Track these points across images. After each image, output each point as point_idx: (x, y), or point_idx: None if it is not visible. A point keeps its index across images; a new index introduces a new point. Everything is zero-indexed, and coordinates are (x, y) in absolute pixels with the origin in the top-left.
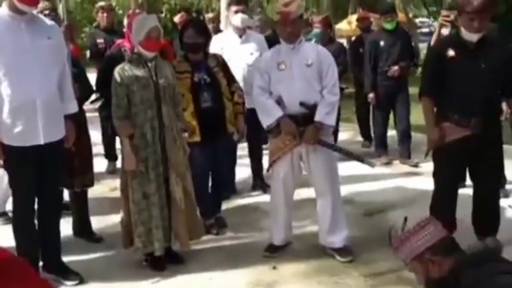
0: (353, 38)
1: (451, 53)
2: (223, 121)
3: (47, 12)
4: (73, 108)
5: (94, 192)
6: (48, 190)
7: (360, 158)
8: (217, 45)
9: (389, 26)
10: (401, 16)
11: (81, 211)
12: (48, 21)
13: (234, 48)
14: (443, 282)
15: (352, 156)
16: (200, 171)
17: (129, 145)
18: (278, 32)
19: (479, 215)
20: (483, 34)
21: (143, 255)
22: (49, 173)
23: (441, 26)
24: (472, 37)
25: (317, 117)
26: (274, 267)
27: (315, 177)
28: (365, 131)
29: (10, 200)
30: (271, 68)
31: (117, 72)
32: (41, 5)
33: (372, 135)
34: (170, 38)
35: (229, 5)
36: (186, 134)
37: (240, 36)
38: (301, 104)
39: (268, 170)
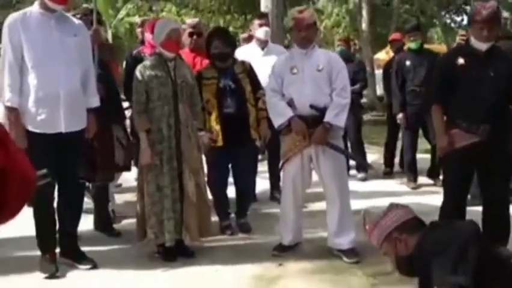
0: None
1: (461, 61)
2: (246, 127)
3: (79, 15)
4: (95, 102)
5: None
6: (68, 178)
7: (365, 164)
8: (240, 57)
9: (413, 45)
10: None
11: (102, 205)
12: (76, 21)
13: (257, 60)
14: (410, 259)
15: (358, 161)
16: (220, 174)
17: (146, 139)
18: (293, 37)
19: (488, 223)
20: (492, 44)
21: (156, 247)
22: (69, 162)
23: (459, 44)
24: (481, 46)
25: (326, 118)
26: (280, 264)
27: (324, 178)
28: (389, 158)
29: None
30: (284, 72)
31: (138, 70)
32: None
33: (397, 159)
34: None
35: (253, 19)
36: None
37: (263, 49)
38: (312, 106)
39: (280, 171)
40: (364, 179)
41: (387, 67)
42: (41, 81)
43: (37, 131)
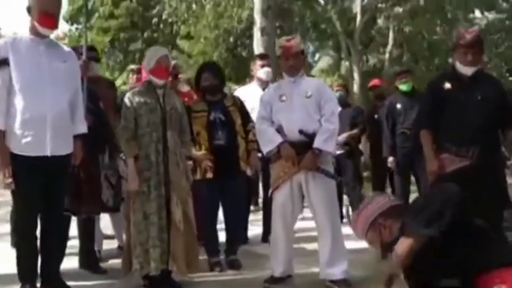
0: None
1: (447, 85)
2: (237, 159)
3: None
4: (83, 129)
5: None
6: (53, 206)
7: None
8: (241, 97)
9: (405, 88)
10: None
11: (87, 240)
12: (66, 48)
13: (257, 100)
14: (394, 244)
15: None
16: (209, 207)
17: (134, 166)
18: (281, 66)
19: None
20: (477, 69)
21: (141, 279)
22: (55, 189)
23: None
24: (466, 70)
25: (316, 144)
26: None
27: (314, 205)
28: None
29: None
30: (273, 100)
31: (127, 97)
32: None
33: None
34: None
35: (254, 59)
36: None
37: (263, 89)
38: (301, 132)
39: (270, 199)
40: None
41: (370, 114)
42: (27, 104)
43: (22, 153)
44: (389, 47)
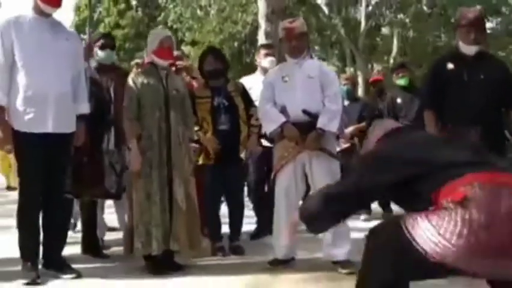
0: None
1: (450, 66)
2: (238, 145)
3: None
4: (85, 109)
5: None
6: (55, 184)
7: None
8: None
9: (402, 82)
10: None
11: (89, 224)
12: (69, 29)
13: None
14: None
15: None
16: (212, 193)
17: (136, 146)
18: (284, 48)
19: None
20: (480, 48)
21: (143, 259)
22: (57, 166)
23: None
24: (469, 49)
25: (319, 124)
26: (272, 275)
27: (317, 186)
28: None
29: None
30: (276, 81)
31: (131, 77)
32: None
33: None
34: None
35: (259, 48)
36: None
37: None
38: (304, 111)
39: (273, 181)
40: (367, 220)
41: (372, 108)
42: (30, 81)
43: (24, 130)
44: (394, 54)
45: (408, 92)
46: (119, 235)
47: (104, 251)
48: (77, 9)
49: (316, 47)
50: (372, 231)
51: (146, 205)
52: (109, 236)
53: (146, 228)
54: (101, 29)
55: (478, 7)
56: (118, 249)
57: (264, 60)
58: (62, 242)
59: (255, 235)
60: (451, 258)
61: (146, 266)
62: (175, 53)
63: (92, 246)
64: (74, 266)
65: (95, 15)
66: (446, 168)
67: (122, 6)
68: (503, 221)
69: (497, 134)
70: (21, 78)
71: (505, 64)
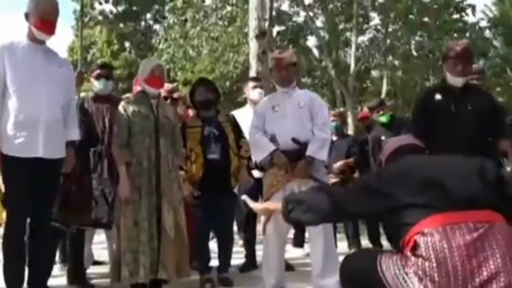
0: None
1: (438, 97)
2: (228, 175)
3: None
4: (75, 135)
5: None
6: (42, 211)
7: None
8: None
9: (384, 119)
10: None
11: (76, 254)
12: (61, 56)
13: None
14: None
15: None
16: (201, 223)
17: (125, 173)
18: (273, 78)
19: None
20: (467, 81)
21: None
22: (45, 192)
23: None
24: (457, 81)
25: (308, 152)
26: None
27: None
28: (373, 235)
29: None
30: (266, 110)
31: (121, 105)
32: None
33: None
34: None
35: (248, 81)
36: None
37: None
38: (294, 140)
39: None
40: None
41: (361, 145)
42: (22, 105)
43: (13, 154)
44: (383, 95)
45: (389, 128)
46: (104, 269)
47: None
48: (71, 50)
49: (306, 89)
50: (348, 257)
51: (134, 232)
52: (93, 269)
53: (134, 255)
54: None
55: (465, 40)
56: (102, 281)
57: (252, 93)
58: (48, 271)
59: (244, 268)
60: None
61: None
62: (170, 85)
63: (79, 276)
64: None
65: (89, 56)
66: (406, 208)
67: (116, 47)
68: (453, 262)
69: None
70: (13, 103)
71: (491, 95)
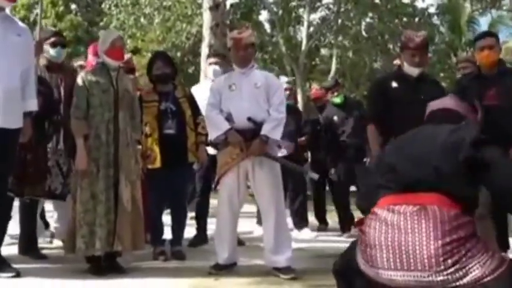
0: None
1: (394, 84)
2: (185, 149)
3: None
4: (33, 106)
5: None
6: None
7: (303, 171)
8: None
9: (337, 100)
10: None
11: (28, 224)
12: (21, 24)
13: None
14: None
15: (296, 170)
16: (157, 196)
17: (83, 145)
18: (231, 57)
19: None
20: (422, 70)
21: (85, 259)
22: (2, 161)
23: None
24: (413, 71)
25: (263, 131)
26: (216, 279)
27: (259, 191)
28: (320, 213)
29: None
30: (222, 89)
31: (80, 76)
32: None
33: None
34: None
35: (207, 56)
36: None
37: None
38: (249, 119)
39: (215, 187)
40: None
41: (313, 125)
42: None
43: None
44: (332, 74)
45: (342, 109)
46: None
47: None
48: (13, 8)
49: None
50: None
51: (90, 205)
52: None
53: (90, 228)
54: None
55: (422, 32)
56: (53, 252)
57: (208, 69)
58: (1, 239)
59: (194, 242)
60: (370, 274)
61: (89, 267)
62: (126, 56)
63: (30, 245)
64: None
65: (32, 16)
66: (378, 188)
67: (61, 9)
68: (384, 237)
69: None
70: None
71: (442, 86)
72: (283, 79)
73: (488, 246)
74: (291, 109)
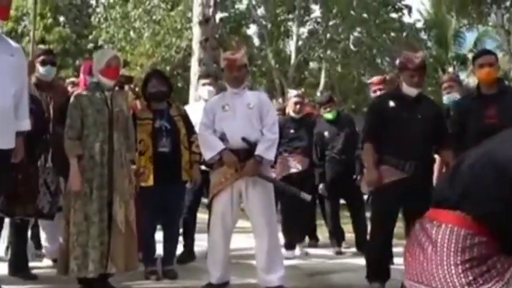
0: None
1: (392, 104)
2: (179, 168)
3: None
4: (26, 126)
5: None
6: None
7: (296, 193)
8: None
9: (330, 116)
10: None
11: (19, 244)
12: (14, 44)
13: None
14: None
15: (289, 191)
16: (150, 214)
17: (76, 166)
18: (224, 78)
19: None
20: (420, 90)
21: (77, 282)
22: None
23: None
24: (412, 91)
25: (258, 152)
26: None
27: (252, 211)
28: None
29: None
30: (216, 109)
31: (74, 96)
32: None
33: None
34: None
35: (199, 78)
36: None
37: None
38: (243, 139)
39: (209, 206)
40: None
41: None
42: None
43: None
44: (321, 87)
45: (334, 125)
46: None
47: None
48: None
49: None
50: None
51: (84, 226)
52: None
53: (83, 250)
54: (24, 43)
55: (421, 53)
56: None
57: (201, 90)
58: None
59: (182, 259)
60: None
61: None
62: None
63: (21, 266)
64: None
65: (20, 28)
66: None
67: (49, 21)
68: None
69: (428, 168)
70: None
71: (439, 107)
72: (293, 92)
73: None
74: (305, 123)
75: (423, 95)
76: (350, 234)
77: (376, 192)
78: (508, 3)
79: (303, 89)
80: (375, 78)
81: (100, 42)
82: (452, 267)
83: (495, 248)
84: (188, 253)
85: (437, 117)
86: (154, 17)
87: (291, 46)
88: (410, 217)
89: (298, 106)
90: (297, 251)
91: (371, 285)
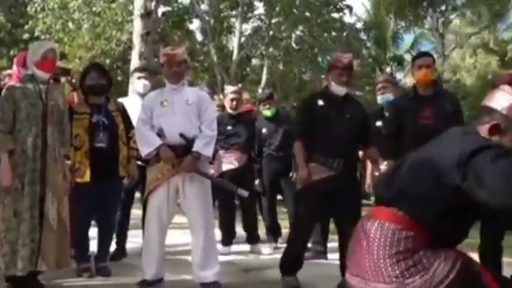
0: None
1: (321, 103)
2: (116, 163)
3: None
4: None
5: None
6: None
7: (232, 189)
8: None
9: (269, 113)
10: None
11: None
12: None
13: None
14: None
15: (226, 187)
16: (85, 211)
17: (7, 161)
18: (163, 73)
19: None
20: (348, 90)
21: (5, 280)
22: None
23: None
24: (340, 90)
25: (195, 148)
26: None
27: (189, 207)
28: None
29: None
30: (154, 105)
31: (6, 88)
32: None
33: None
34: None
35: (134, 71)
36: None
37: None
38: (181, 135)
39: (144, 202)
40: None
41: None
42: None
43: None
44: (262, 84)
45: (273, 122)
46: None
47: None
48: None
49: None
50: None
51: (13, 223)
52: None
53: (12, 247)
54: None
55: (349, 54)
56: None
57: (137, 83)
58: None
59: (115, 256)
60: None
61: (7, 286)
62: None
63: None
64: None
65: None
66: None
67: None
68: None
69: (354, 165)
70: None
71: (363, 107)
72: (230, 89)
73: (438, 252)
74: (243, 119)
75: (351, 94)
76: (286, 230)
77: (305, 188)
78: (443, 8)
79: (240, 85)
80: (381, 78)
81: (37, 33)
82: (381, 260)
83: (422, 242)
84: (121, 249)
85: (363, 116)
86: (94, 9)
87: (233, 42)
88: (339, 215)
89: (234, 102)
90: (266, 248)
91: (284, 279)
